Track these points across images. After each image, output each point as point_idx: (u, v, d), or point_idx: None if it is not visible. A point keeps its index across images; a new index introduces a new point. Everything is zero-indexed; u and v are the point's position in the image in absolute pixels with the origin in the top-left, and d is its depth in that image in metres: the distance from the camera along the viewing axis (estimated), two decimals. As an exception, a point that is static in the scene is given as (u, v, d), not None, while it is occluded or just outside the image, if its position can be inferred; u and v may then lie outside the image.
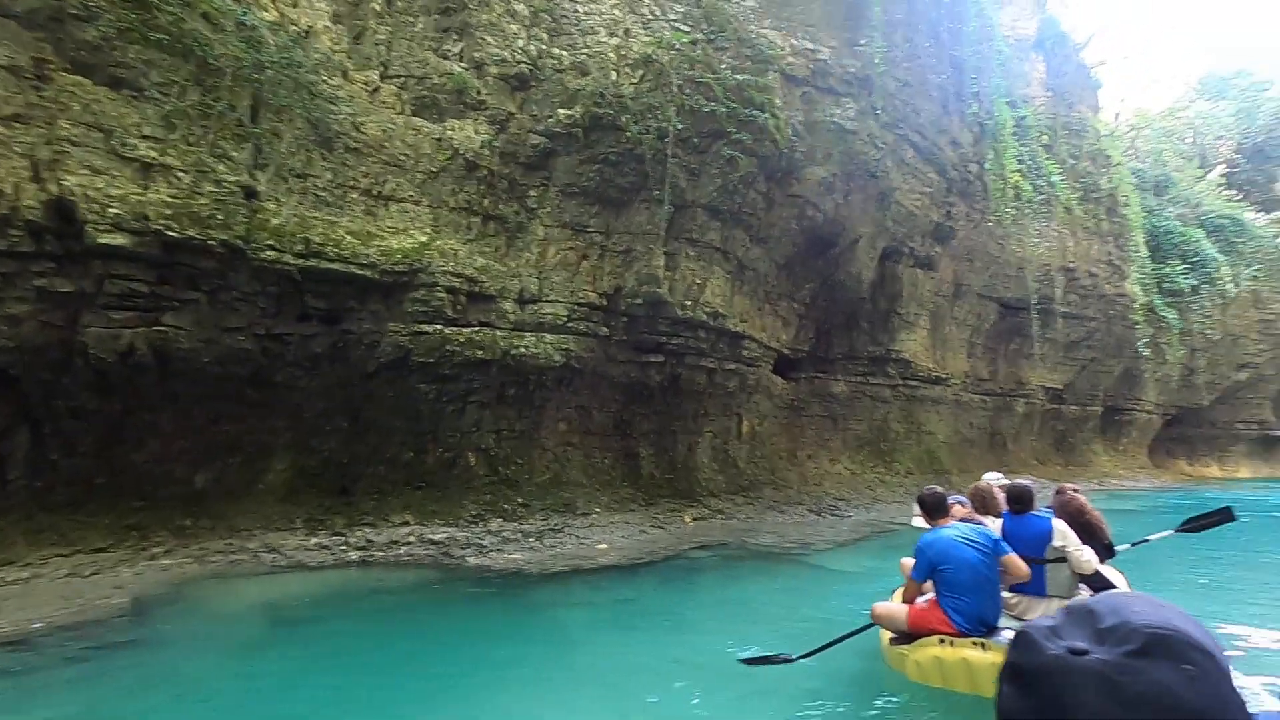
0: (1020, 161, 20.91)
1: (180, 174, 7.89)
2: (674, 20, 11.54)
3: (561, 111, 10.86)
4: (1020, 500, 4.94)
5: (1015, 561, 4.47)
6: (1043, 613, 4.43)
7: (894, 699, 4.51)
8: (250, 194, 8.51)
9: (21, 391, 7.72)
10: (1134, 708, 0.52)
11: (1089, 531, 5.18)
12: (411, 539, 9.03)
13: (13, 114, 6.94)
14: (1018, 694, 0.58)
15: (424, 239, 10.01)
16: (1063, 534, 4.75)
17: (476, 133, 10.63)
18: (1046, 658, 0.57)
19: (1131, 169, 30.12)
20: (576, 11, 11.43)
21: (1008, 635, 4.25)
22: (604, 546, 9.66)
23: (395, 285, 9.63)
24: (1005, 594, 4.78)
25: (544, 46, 11.17)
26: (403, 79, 10.40)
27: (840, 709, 4.46)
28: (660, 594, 7.50)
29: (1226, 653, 0.61)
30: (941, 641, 4.33)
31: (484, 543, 9.00)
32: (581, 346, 11.28)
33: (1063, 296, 23.29)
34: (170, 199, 7.75)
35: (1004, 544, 4.54)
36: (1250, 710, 0.65)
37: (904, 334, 19.32)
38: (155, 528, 8.17)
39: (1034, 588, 4.77)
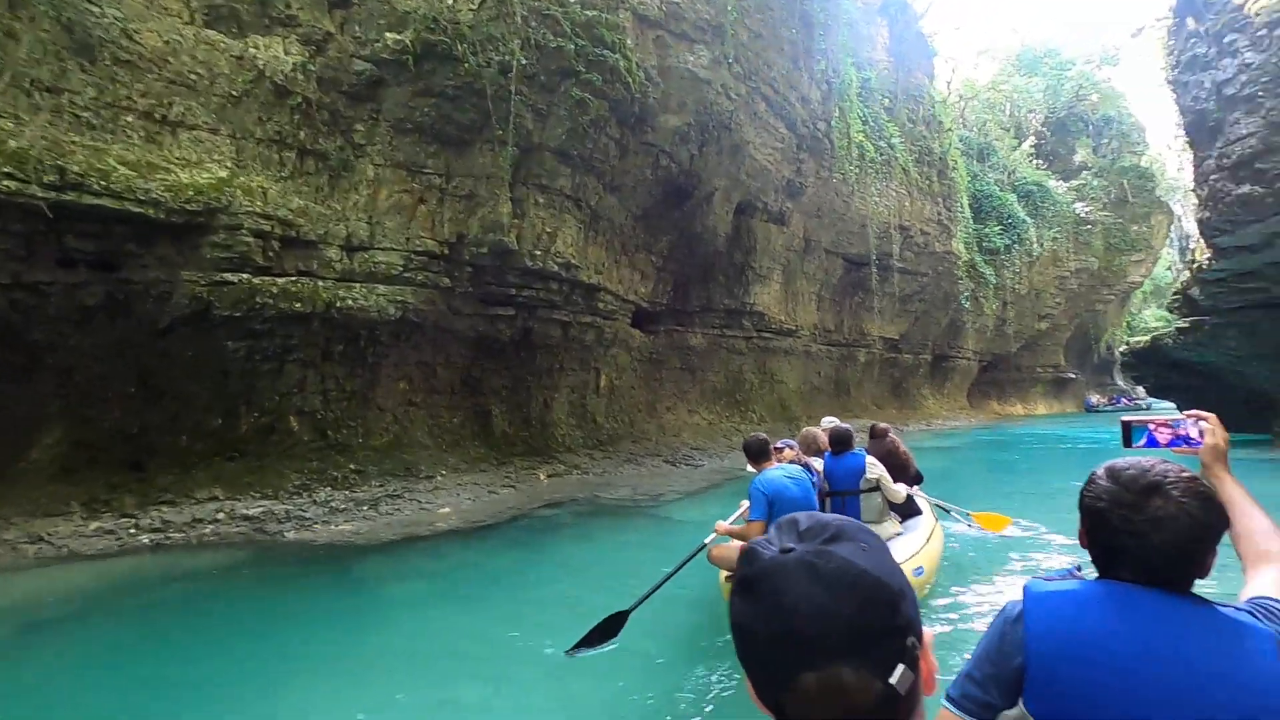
0: (864, 122, 21.92)
1: None
2: (516, -57, 10.62)
3: (389, 35, 9.71)
4: (840, 442, 5.41)
5: None
6: None
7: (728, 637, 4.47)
8: (-25, 108, 6.86)
9: None
10: (829, 582, 0.62)
11: (898, 466, 5.78)
12: (220, 516, 8.00)
13: None
14: (744, 601, 0.65)
15: (224, 174, 8.66)
16: (875, 468, 5.25)
17: (286, 53, 9.26)
18: (765, 561, 0.65)
19: (960, 136, 32.72)
20: (405, -79, 10.18)
21: None
22: (447, 510, 9.13)
23: (188, 227, 8.27)
24: None
25: (367, -42, 9.88)
26: (189, -19, 8.78)
27: (681, 660, 4.37)
28: (503, 557, 7.15)
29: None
30: None
31: (307, 515, 8.17)
32: (420, 299, 10.43)
33: (899, 253, 25.03)
34: None
35: (815, 479, 4.93)
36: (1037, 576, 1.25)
37: (758, 287, 19.90)
38: None
39: (850, 516, 4.96)
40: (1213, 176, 11.04)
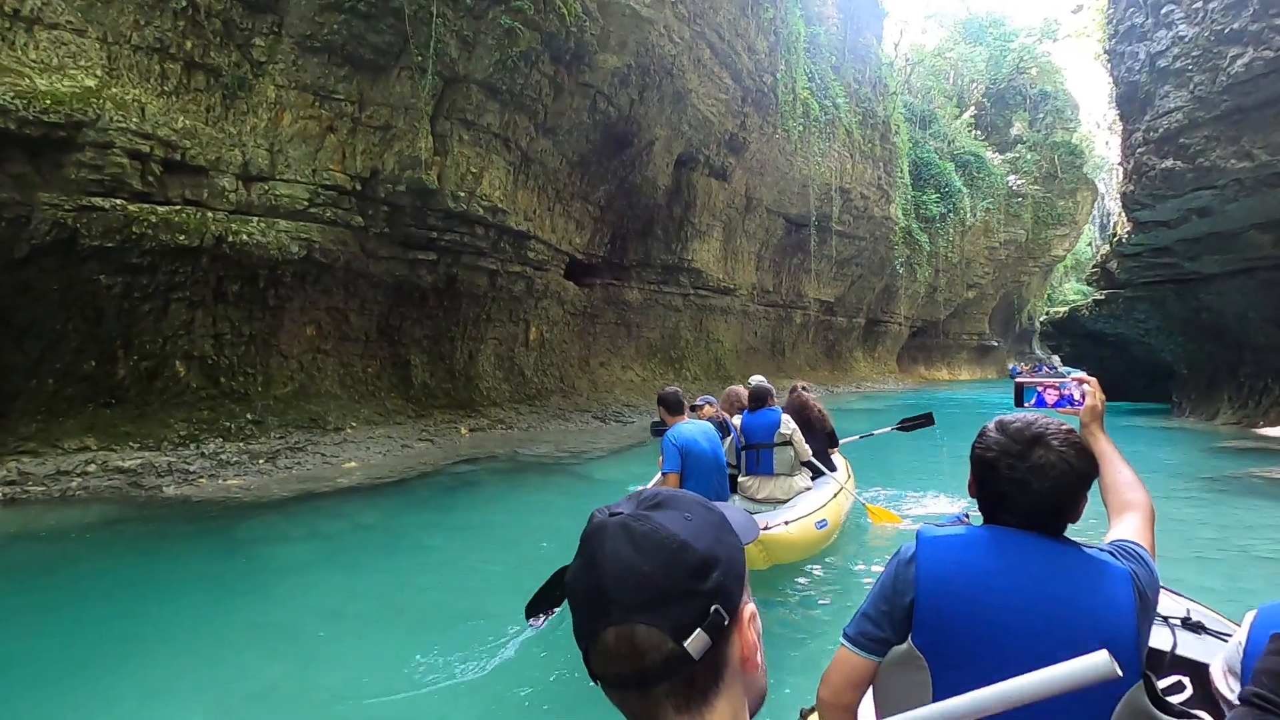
0: (810, 79, 21.53)
1: None
2: None
3: (292, -63, 8.66)
4: (757, 399, 5.65)
5: None
6: (771, 490, 5.40)
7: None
8: None
9: None
10: (638, 542, 0.63)
11: (809, 424, 6.09)
12: (91, 468, 7.24)
13: None
14: (575, 559, 0.68)
15: (91, 83, 7.60)
16: (788, 424, 5.50)
17: (168, -53, 8.13)
18: (594, 523, 0.67)
19: (904, 102, 32.80)
20: None
21: None
22: (353, 465, 8.58)
23: (47, 142, 7.23)
24: (742, 477, 5.56)
25: None
26: None
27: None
28: (405, 518, 6.71)
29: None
30: None
31: (191, 468, 7.48)
32: (329, 238, 9.61)
33: (839, 216, 25.08)
34: None
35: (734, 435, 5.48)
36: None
37: (697, 244, 19.56)
38: None
39: (764, 468, 5.50)
40: (1139, 150, 11.22)
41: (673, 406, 4.87)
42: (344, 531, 6.25)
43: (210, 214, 8.38)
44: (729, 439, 5.59)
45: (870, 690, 1.32)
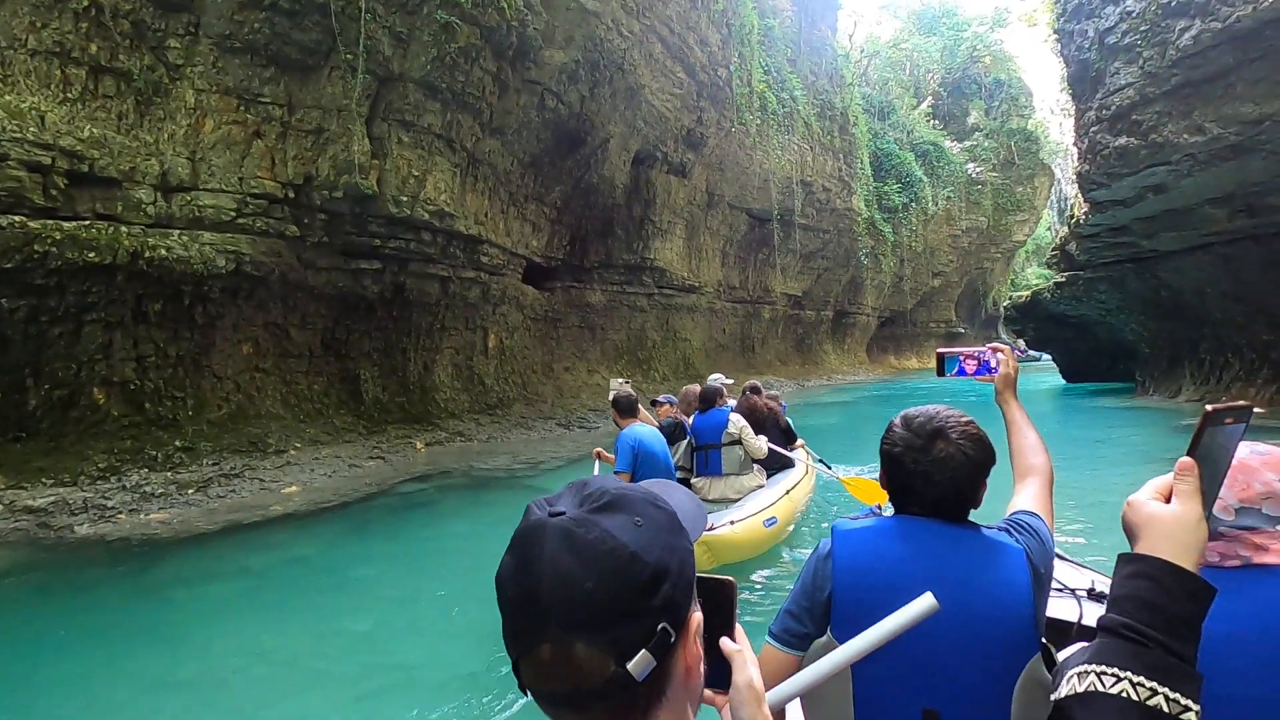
0: (766, 72, 21.36)
1: None
2: None
3: (203, -70, 8.13)
4: (706, 399, 5.66)
5: None
6: (722, 490, 5.46)
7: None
8: None
9: None
10: (582, 552, 0.57)
11: (760, 424, 5.98)
12: (-4, 509, 6.64)
13: None
14: (507, 556, 0.61)
15: (-19, 91, 7.00)
16: (737, 424, 5.48)
17: (64, -57, 7.55)
18: (529, 522, 0.61)
19: (862, 93, 32.90)
20: None
21: None
22: (294, 489, 8.06)
23: (-69, 156, 6.63)
24: (694, 479, 5.57)
25: None
26: None
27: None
28: (341, 547, 6.22)
29: None
30: None
31: (110, 503, 6.91)
32: (260, 249, 9.06)
33: (801, 209, 24.95)
34: None
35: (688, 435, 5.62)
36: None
37: (659, 242, 19.23)
38: None
39: (714, 469, 5.50)
40: (1093, 129, 11.15)
41: (626, 409, 4.99)
42: (273, 566, 5.76)
43: (125, 229, 7.79)
44: (685, 440, 5.71)
45: None
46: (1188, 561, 0.75)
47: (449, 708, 3.31)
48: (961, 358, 1.66)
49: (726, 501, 5.36)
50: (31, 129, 7.14)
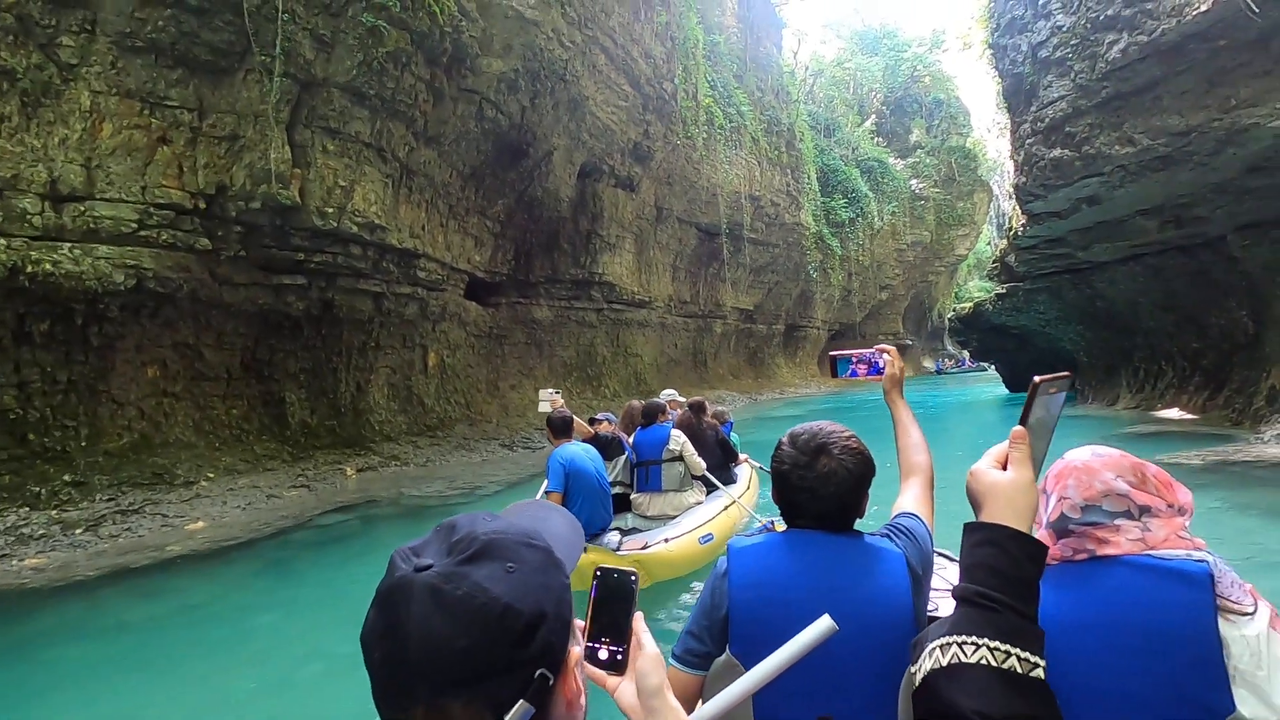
0: (713, 87, 21.40)
1: None
2: None
3: (97, -80, 7.50)
4: (648, 415, 5.66)
5: None
6: (662, 506, 5.41)
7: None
8: None
9: None
10: (451, 609, 0.54)
11: (700, 438, 5.93)
12: None
13: None
14: (373, 615, 0.57)
15: None
16: (679, 440, 5.45)
17: (-67, -73, 6.84)
18: (394, 578, 0.57)
19: (809, 111, 33.46)
20: None
21: (613, 538, 4.88)
22: (199, 525, 7.35)
23: None
24: (634, 495, 5.53)
25: None
26: None
27: None
28: (242, 592, 5.60)
29: None
30: None
31: (-23, 549, 6.12)
32: (165, 264, 8.36)
33: (750, 224, 25.04)
34: None
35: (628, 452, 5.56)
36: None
37: (607, 256, 18.91)
38: None
39: (653, 484, 5.44)
40: (1028, 141, 11.33)
41: (560, 429, 5.01)
42: (160, 617, 5.11)
43: (4, 241, 7.04)
44: (624, 456, 5.66)
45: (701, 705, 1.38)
46: (1024, 524, 0.83)
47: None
48: (853, 360, 1.73)
49: (665, 518, 5.33)
50: (-111, 130, 6.39)
